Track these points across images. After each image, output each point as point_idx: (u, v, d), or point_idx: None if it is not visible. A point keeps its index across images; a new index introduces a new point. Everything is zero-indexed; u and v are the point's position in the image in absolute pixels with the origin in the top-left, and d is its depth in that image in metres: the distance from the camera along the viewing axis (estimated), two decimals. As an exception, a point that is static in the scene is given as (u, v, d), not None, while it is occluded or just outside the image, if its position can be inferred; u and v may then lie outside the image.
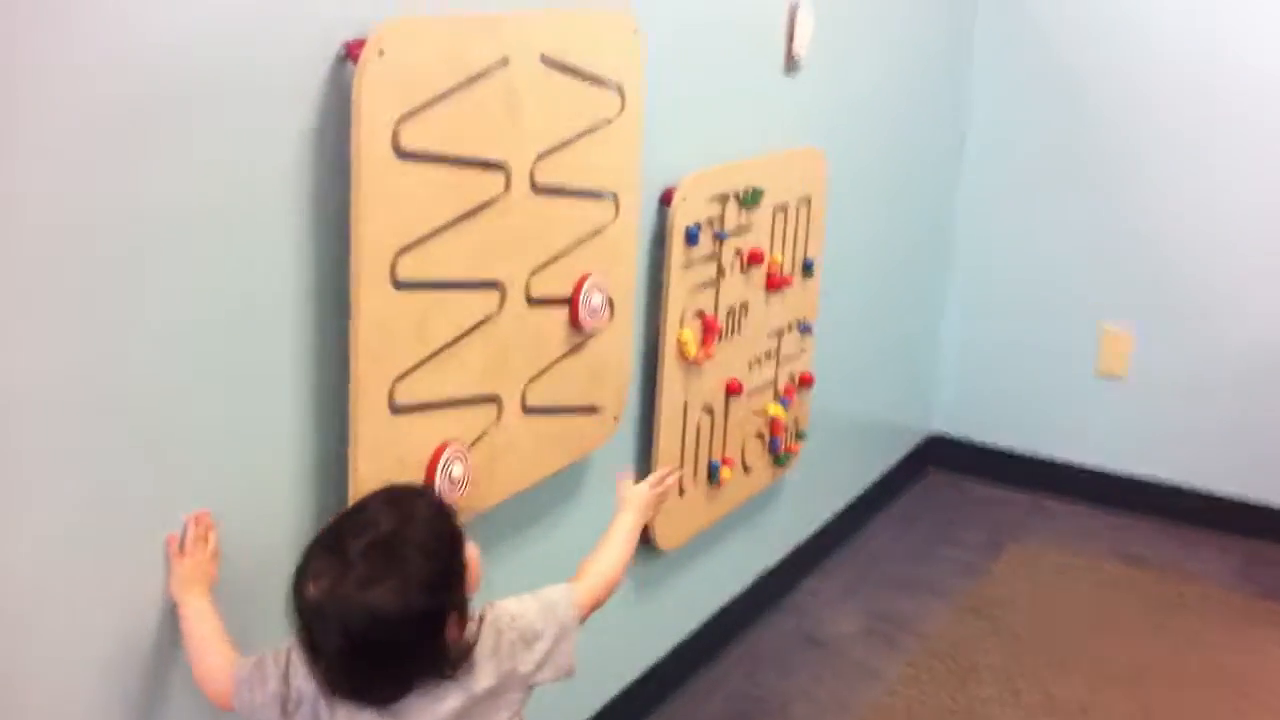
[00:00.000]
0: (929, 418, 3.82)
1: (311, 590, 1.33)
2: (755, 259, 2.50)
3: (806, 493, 3.02)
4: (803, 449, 2.85)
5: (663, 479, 1.87)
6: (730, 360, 2.50)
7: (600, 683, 2.38)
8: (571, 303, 1.96)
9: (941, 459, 3.82)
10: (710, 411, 2.48)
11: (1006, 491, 3.68)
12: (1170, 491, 3.57)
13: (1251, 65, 3.30)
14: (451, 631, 1.39)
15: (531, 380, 1.91)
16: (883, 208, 3.23)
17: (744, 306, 2.52)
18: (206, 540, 1.49)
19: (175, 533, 1.47)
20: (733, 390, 2.51)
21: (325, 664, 1.34)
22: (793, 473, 2.87)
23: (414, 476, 1.67)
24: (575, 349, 2.01)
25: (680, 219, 2.26)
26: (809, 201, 2.70)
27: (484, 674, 1.43)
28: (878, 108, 3.08)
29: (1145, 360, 3.56)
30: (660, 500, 1.89)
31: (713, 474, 2.50)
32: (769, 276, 2.58)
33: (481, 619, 1.47)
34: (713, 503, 2.54)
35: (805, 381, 2.80)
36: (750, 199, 2.45)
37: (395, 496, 1.43)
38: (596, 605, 1.63)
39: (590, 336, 2.03)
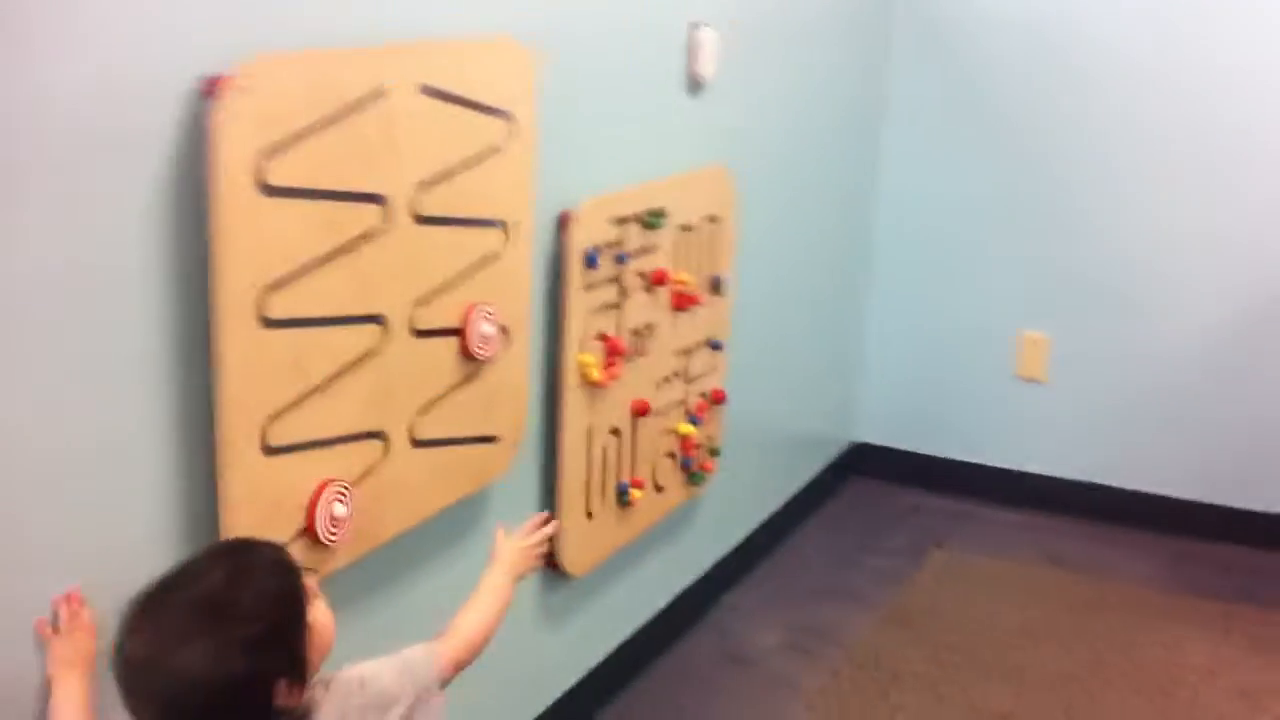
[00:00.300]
0: (852, 427, 3.83)
1: (128, 649, 1.26)
2: (659, 279, 2.49)
3: (724, 509, 3.02)
4: (718, 465, 2.85)
5: (534, 529, 1.80)
6: (637, 381, 2.49)
7: (512, 714, 2.35)
8: (461, 332, 1.94)
9: (865, 467, 3.83)
10: (617, 433, 2.46)
11: (931, 498, 3.70)
12: (1092, 491, 3.60)
13: (1167, 76, 3.35)
14: (281, 698, 1.30)
15: (420, 413, 1.89)
16: (798, 221, 3.24)
17: (649, 327, 2.51)
18: (80, 619, 1.43)
19: (44, 616, 1.42)
20: (640, 411, 2.50)
21: None
22: (709, 490, 2.86)
23: (292, 519, 1.65)
24: (468, 379, 1.99)
25: (578, 243, 2.24)
26: (716, 220, 2.69)
27: None
28: (788, 123, 3.08)
29: (1063, 364, 3.60)
30: (535, 552, 1.79)
31: (622, 496, 2.48)
32: (675, 296, 2.57)
33: (328, 685, 1.39)
34: (623, 525, 2.52)
35: (717, 398, 2.79)
36: (653, 220, 2.44)
37: (231, 549, 1.38)
38: (461, 665, 1.57)
39: (483, 365, 2.01)
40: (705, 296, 2.68)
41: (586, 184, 2.28)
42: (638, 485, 2.52)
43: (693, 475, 2.75)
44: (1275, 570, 3.36)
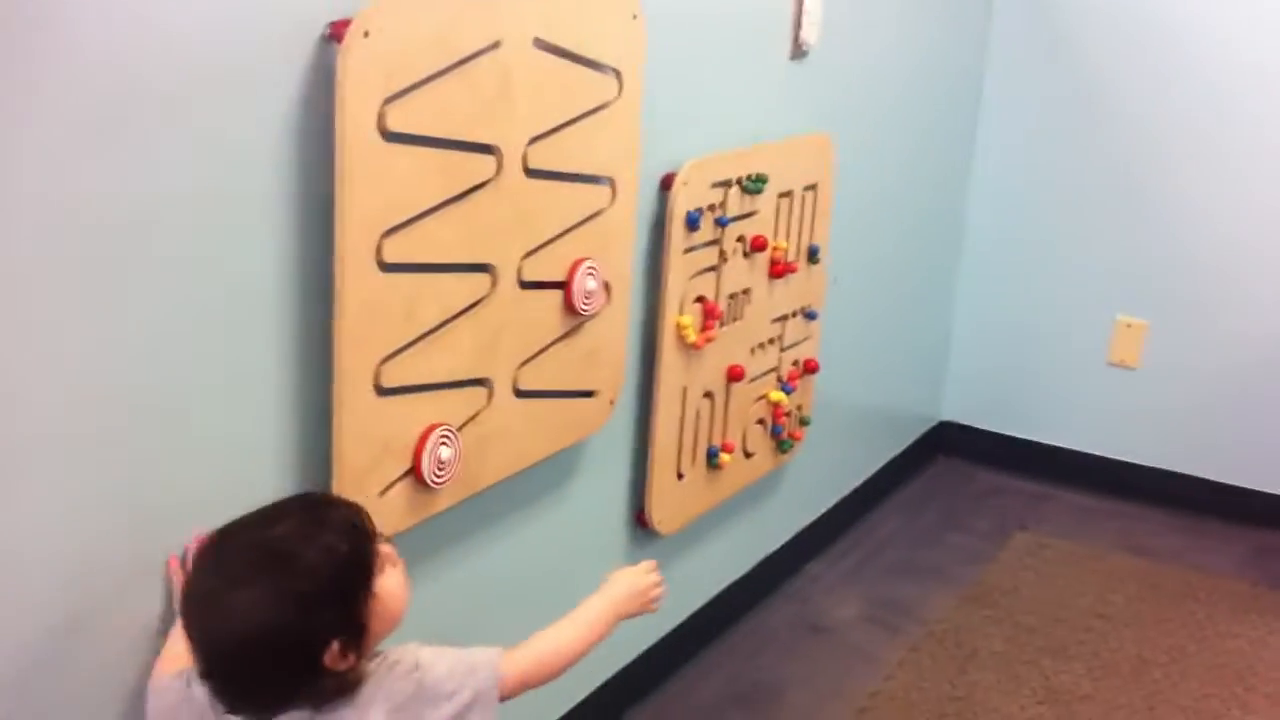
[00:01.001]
0: (939, 405, 3.81)
1: (190, 583, 1.28)
2: (758, 245, 2.50)
3: (811, 479, 3.03)
4: (807, 435, 2.85)
5: (652, 568, 1.67)
6: (731, 346, 2.50)
7: (593, 666, 2.38)
8: (566, 286, 1.97)
9: (951, 446, 3.81)
10: (710, 397, 2.48)
11: (1016, 480, 3.68)
12: (1178, 481, 3.56)
13: (1270, 58, 3.27)
14: (331, 660, 1.29)
15: (524, 363, 1.92)
16: (893, 195, 3.22)
17: (746, 292, 2.52)
18: None
19: (176, 554, 1.46)
20: (734, 376, 2.51)
21: (201, 667, 1.28)
22: (796, 459, 2.87)
23: (400, 459, 1.69)
24: (570, 333, 2.01)
25: (681, 204, 2.26)
26: (815, 188, 2.69)
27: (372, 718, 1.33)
28: (888, 95, 3.07)
29: (1158, 350, 3.55)
30: (652, 593, 1.64)
31: (712, 459, 2.50)
32: (772, 263, 2.58)
33: (385, 658, 1.37)
34: (712, 488, 2.54)
35: (810, 368, 2.80)
36: (754, 185, 2.44)
37: (309, 503, 1.37)
38: (528, 685, 1.47)
39: (585, 320, 2.03)
40: (801, 265, 2.68)
41: (689, 146, 2.29)
42: (728, 449, 2.54)
43: (782, 443, 2.76)
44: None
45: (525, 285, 1.89)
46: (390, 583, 1.34)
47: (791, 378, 2.74)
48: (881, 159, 3.10)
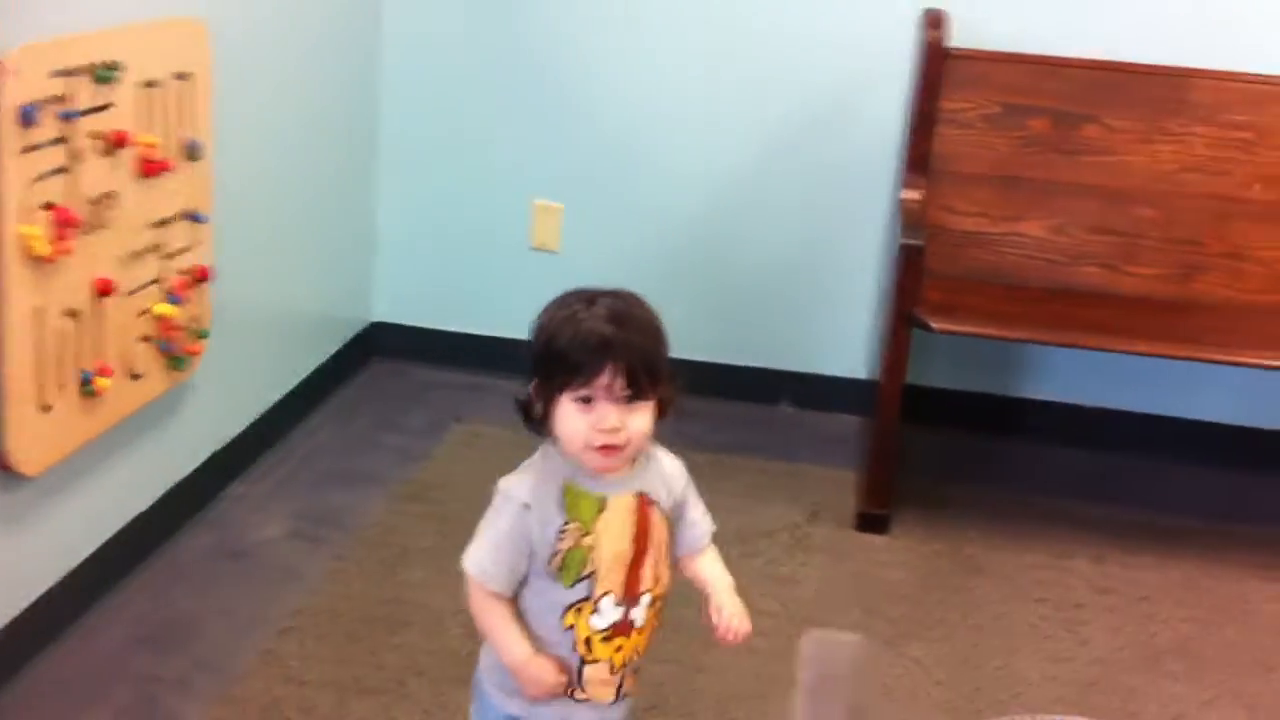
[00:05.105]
0: (368, 306, 3.71)
1: (596, 319, 1.56)
2: (120, 141, 2.24)
3: (220, 395, 2.82)
4: (208, 349, 2.64)
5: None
6: (97, 256, 2.24)
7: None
8: None
9: (384, 348, 3.72)
10: (75, 315, 2.21)
11: (451, 374, 3.64)
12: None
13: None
14: (530, 393, 1.66)
15: None
16: (291, 89, 3.04)
17: (110, 196, 2.26)
18: None
19: None
20: (103, 290, 2.25)
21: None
22: (198, 375, 2.65)
23: None
24: None
25: (11, 97, 1.96)
26: (189, 78, 2.46)
27: None
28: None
29: (575, 232, 3.61)
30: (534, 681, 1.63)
31: (86, 385, 2.24)
32: (142, 161, 2.33)
33: (542, 459, 1.68)
34: (91, 417, 2.28)
35: (201, 276, 2.58)
36: (105, 74, 2.18)
37: (616, 310, 1.62)
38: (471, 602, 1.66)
39: (-116, 238, 1.72)
40: (179, 163, 2.45)
41: (21, 29, 2.00)
42: (105, 373, 2.28)
43: (176, 360, 2.53)
44: (766, 421, 3.56)
45: None
46: (569, 412, 1.56)
47: (180, 288, 2.51)
48: (275, 51, 2.90)
